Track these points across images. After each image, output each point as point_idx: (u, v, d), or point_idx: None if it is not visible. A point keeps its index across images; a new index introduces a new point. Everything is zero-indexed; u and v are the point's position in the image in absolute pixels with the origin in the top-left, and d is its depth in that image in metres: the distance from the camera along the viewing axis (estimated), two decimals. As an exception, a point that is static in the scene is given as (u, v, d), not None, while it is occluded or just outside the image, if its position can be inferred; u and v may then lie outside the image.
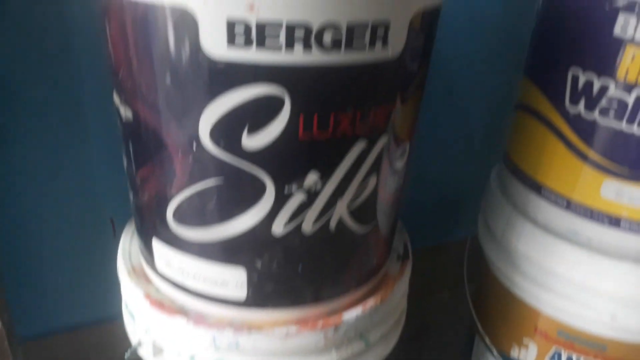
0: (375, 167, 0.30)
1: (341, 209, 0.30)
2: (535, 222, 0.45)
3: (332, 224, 0.30)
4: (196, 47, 0.24)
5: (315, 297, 0.33)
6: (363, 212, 0.31)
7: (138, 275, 0.36)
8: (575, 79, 0.39)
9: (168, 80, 0.26)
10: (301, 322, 0.32)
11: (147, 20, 0.25)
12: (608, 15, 0.35)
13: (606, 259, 0.41)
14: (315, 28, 0.24)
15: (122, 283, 0.36)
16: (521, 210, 0.46)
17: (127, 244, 0.38)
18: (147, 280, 0.35)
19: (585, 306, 0.43)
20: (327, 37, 0.24)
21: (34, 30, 0.40)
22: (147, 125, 0.28)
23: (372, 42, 0.25)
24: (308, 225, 0.30)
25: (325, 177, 0.28)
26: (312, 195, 0.29)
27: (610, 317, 0.42)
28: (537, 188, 0.44)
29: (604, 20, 0.36)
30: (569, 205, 0.42)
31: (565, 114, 0.40)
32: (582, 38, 0.38)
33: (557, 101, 0.40)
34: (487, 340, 0.52)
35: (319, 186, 0.29)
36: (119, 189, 0.39)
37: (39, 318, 0.51)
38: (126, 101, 0.29)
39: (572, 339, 0.45)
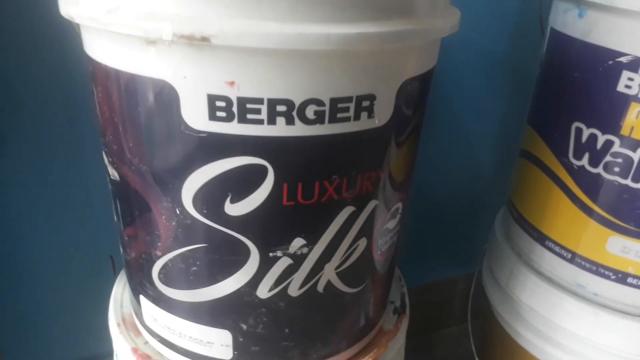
0: (365, 230, 0.29)
1: (329, 272, 0.29)
2: (539, 273, 0.43)
3: (320, 287, 0.30)
4: (178, 118, 0.24)
5: (303, 357, 0.32)
6: (353, 273, 0.31)
7: (127, 326, 0.36)
8: (579, 133, 0.38)
9: (151, 148, 0.26)
10: (289, 385, 0.32)
11: (130, 89, 0.25)
12: (611, 72, 0.34)
13: (612, 315, 0.40)
14: (297, 104, 0.23)
15: (112, 334, 0.36)
16: (525, 260, 0.45)
17: (120, 293, 0.38)
18: (137, 332, 0.35)
19: (587, 358, 0.42)
20: (310, 112, 0.24)
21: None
22: (133, 188, 0.28)
23: (357, 115, 0.25)
24: (294, 288, 0.29)
25: (311, 242, 0.28)
26: (298, 260, 0.28)
27: (616, 375, 0.40)
28: (542, 239, 0.43)
29: (607, 77, 0.35)
30: (573, 258, 0.41)
31: (569, 167, 0.39)
32: (585, 93, 0.36)
33: (561, 153, 0.39)
34: (490, 387, 0.51)
35: (305, 251, 0.28)
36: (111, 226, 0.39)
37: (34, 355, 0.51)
38: (112, 162, 0.29)
39: (576, 393, 0.43)
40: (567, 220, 0.40)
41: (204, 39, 0.21)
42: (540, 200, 0.42)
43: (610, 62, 0.34)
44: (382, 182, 0.29)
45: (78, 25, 0.27)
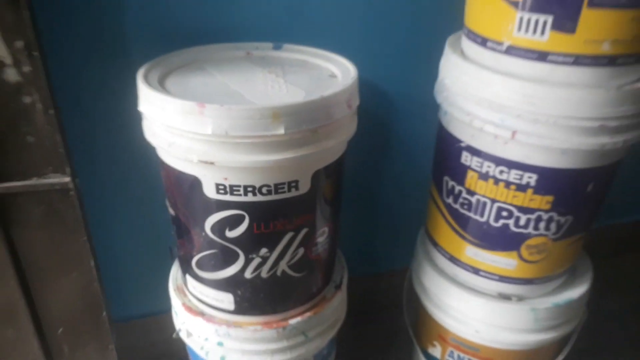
0: (301, 244, 0.54)
1: (283, 265, 0.55)
2: (436, 267, 0.67)
3: (279, 273, 0.55)
4: (201, 192, 0.49)
5: (273, 310, 0.58)
6: (297, 266, 0.56)
7: (179, 291, 0.63)
8: (447, 183, 0.61)
9: (189, 204, 0.51)
10: (264, 324, 0.58)
11: (180, 177, 0.50)
12: (457, 150, 0.58)
13: (471, 294, 0.63)
14: (257, 186, 0.49)
15: (171, 295, 0.63)
16: (429, 258, 0.69)
17: (175, 272, 0.65)
18: (184, 294, 0.62)
19: (462, 324, 0.65)
20: (264, 190, 0.49)
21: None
22: (181, 220, 0.54)
23: (289, 190, 0.50)
24: (264, 273, 0.55)
25: (270, 250, 0.53)
26: (264, 259, 0.54)
27: (475, 331, 0.64)
28: (435, 245, 0.67)
29: (456, 152, 0.58)
30: (451, 259, 0.64)
31: (444, 203, 0.62)
32: (448, 160, 0.60)
33: (440, 194, 0.63)
34: (414, 340, 0.76)
35: (267, 255, 0.53)
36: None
37: (121, 308, 0.79)
38: (171, 205, 0.55)
39: (459, 343, 0.67)
40: (445, 235, 0.64)
41: (211, 162, 0.47)
42: (433, 222, 0.66)
43: (457, 144, 0.58)
44: (309, 219, 0.53)
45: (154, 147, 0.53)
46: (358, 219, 0.85)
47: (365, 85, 0.69)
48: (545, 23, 0.46)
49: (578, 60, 0.47)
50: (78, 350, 0.71)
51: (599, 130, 0.48)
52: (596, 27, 0.45)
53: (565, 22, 0.45)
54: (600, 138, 0.49)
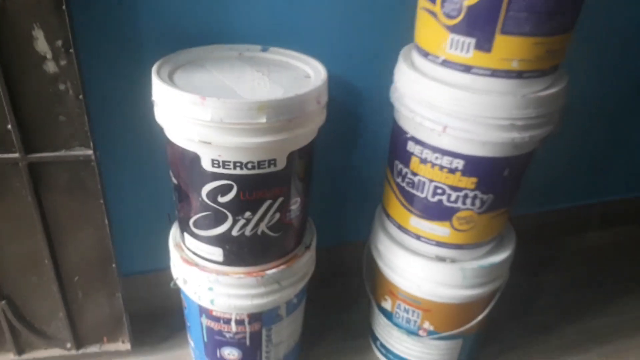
0: (278, 210, 0.68)
1: (263, 226, 0.68)
2: (390, 237, 0.81)
3: (259, 232, 0.69)
4: (199, 165, 0.63)
5: (254, 263, 0.72)
6: (274, 227, 0.69)
7: (178, 247, 0.76)
8: (397, 166, 0.75)
9: (189, 174, 0.65)
10: (247, 273, 0.71)
11: (183, 153, 0.63)
12: (405, 139, 0.71)
13: (414, 256, 0.77)
14: (244, 162, 0.62)
15: (170, 250, 0.77)
16: (383, 228, 0.83)
17: (174, 231, 0.78)
18: (182, 249, 0.75)
19: (407, 280, 0.80)
20: (249, 165, 0.62)
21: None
22: (181, 188, 0.67)
23: (269, 165, 0.63)
24: (247, 232, 0.68)
25: (253, 214, 0.66)
26: (248, 221, 0.67)
27: (417, 286, 0.79)
28: (389, 217, 0.81)
29: (404, 142, 0.72)
30: (400, 227, 0.79)
31: (395, 181, 0.76)
32: (398, 146, 0.74)
33: (392, 174, 0.77)
34: (371, 296, 0.90)
35: (250, 217, 0.67)
36: (172, 199, 0.79)
37: (126, 265, 0.92)
38: (174, 176, 0.68)
39: (405, 297, 0.82)
40: (395, 208, 0.78)
41: (208, 142, 0.60)
42: (387, 198, 0.80)
43: (404, 135, 0.71)
44: (284, 190, 0.67)
45: (162, 128, 0.65)
46: (329, 196, 0.99)
47: (339, 82, 0.83)
48: (469, 44, 0.60)
49: (494, 73, 0.60)
50: (90, 296, 0.84)
51: (510, 128, 0.62)
52: (507, 49, 0.59)
53: (484, 44, 0.59)
54: (511, 134, 0.63)
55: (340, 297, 1.05)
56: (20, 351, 0.87)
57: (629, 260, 1.23)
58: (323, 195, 0.96)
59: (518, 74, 0.60)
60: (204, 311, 0.75)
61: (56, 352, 0.88)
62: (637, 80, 1.08)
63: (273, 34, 0.78)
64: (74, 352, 0.88)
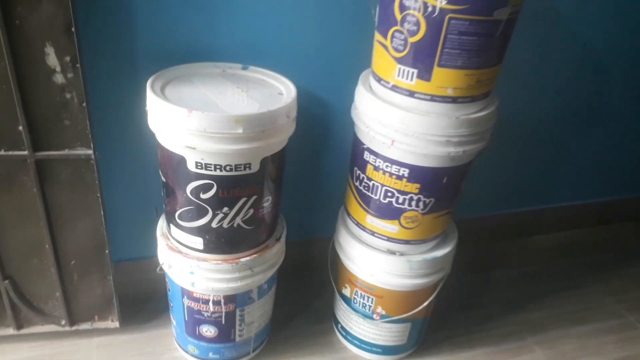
0: (252, 206, 0.79)
1: (239, 220, 0.79)
2: (350, 233, 0.93)
3: (235, 224, 0.79)
4: (185, 167, 0.73)
5: (230, 251, 0.82)
6: (249, 221, 0.80)
7: (164, 236, 0.86)
8: (356, 171, 0.86)
9: (176, 174, 0.75)
10: (223, 260, 0.82)
11: (170, 155, 0.74)
12: (362, 150, 0.83)
13: (370, 249, 0.89)
14: (223, 165, 0.73)
15: (157, 239, 0.87)
16: (346, 228, 0.94)
17: (162, 223, 0.89)
18: (167, 238, 0.86)
19: (363, 270, 0.91)
20: (227, 167, 0.73)
21: (129, 126, 0.89)
22: (169, 186, 0.78)
23: (245, 168, 0.74)
24: (225, 224, 0.79)
25: (230, 209, 0.77)
26: (225, 215, 0.78)
27: (371, 275, 0.90)
28: (350, 216, 0.92)
29: (361, 152, 0.83)
30: (358, 224, 0.90)
31: (354, 185, 0.88)
32: (357, 157, 0.85)
33: (353, 179, 0.88)
34: (334, 284, 1.01)
35: (228, 212, 0.78)
36: (160, 195, 0.89)
37: (117, 252, 1.02)
38: (162, 174, 0.79)
39: (361, 285, 0.93)
40: (354, 207, 0.89)
41: (193, 147, 0.70)
42: (348, 199, 0.91)
43: (362, 146, 0.83)
44: (257, 190, 0.78)
45: (154, 134, 0.76)
46: (300, 196, 1.10)
47: (311, 96, 0.94)
48: (413, 73, 0.71)
49: (433, 98, 0.72)
50: (85, 278, 0.94)
51: (446, 144, 0.74)
52: (443, 79, 0.70)
53: (425, 74, 0.70)
54: (447, 148, 0.75)
55: (308, 286, 1.16)
56: (19, 326, 0.97)
57: (570, 260, 1.37)
58: (295, 195, 1.07)
59: (453, 99, 0.72)
60: (185, 293, 0.86)
61: (52, 327, 0.97)
62: (572, 99, 1.21)
63: (254, 53, 0.89)
64: (67, 328, 0.98)
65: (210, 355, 0.93)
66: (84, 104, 0.77)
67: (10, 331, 0.96)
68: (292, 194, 1.03)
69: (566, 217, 1.44)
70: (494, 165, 1.23)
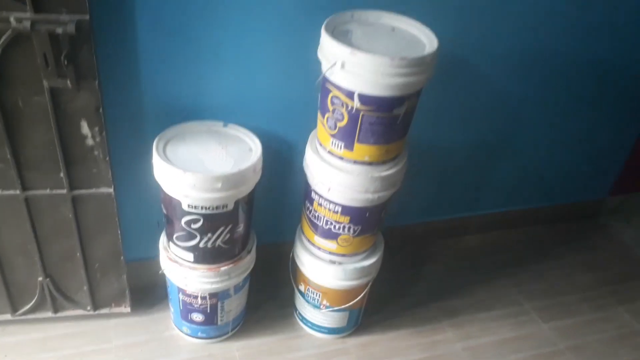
0: (229, 232, 1.07)
1: (219, 241, 1.07)
2: (304, 247, 1.22)
3: (216, 245, 1.08)
4: (180, 206, 1.01)
5: (213, 262, 1.11)
6: (227, 242, 1.08)
7: (165, 249, 1.15)
8: (307, 204, 1.15)
9: (173, 210, 1.03)
10: (208, 269, 1.11)
11: (170, 198, 1.02)
12: (310, 190, 1.11)
13: (317, 260, 1.18)
14: (207, 206, 1.01)
15: (160, 251, 1.16)
16: (301, 243, 1.23)
17: (163, 238, 1.18)
18: (167, 251, 1.15)
19: (313, 273, 1.21)
20: (210, 208, 1.01)
21: (139, 166, 1.17)
22: (168, 217, 1.06)
23: (222, 208, 1.02)
24: (209, 245, 1.07)
25: (213, 234, 1.05)
26: (209, 238, 1.06)
27: (318, 278, 1.20)
28: (304, 237, 1.21)
29: (310, 191, 1.12)
30: (309, 241, 1.19)
31: (306, 214, 1.16)
32: (307, 195, 1.13)
33: (305, 209, 1.17)
34: (293, 282, 1.31)
35: (211, 236, 1.06)
36: (161, 212, 1.17)
37: (130, 254, 1.30)
38: (164, 209, 1.07)
39: (311, 284, 1.23)
40: (307, 230, 1.17)
41: (186, 195, 0.98)
42: (303, 223, 1.20)
43: (310, 188, 1.11)
44: (233, 221, 1.06)
45: (158, 183, 1.04)
46: (272, 214, 1.39)
47: (280, 142, 1.21)
48: (341, 145, 0.99)
49: (355, 162, 1.00)
50: (105, 276, 1.23)
51: (365, 192, 1.03)
52: (361, 150, 0.98)
53: (349, 146, 0.98)
54: (366, 195, 1.03)
55: (275, 280, 1.46)
56: (56, 311, 1.26)
57: (489, 258, 1.67)
58: (269, 213, 1.35)
59: (369, 164, 1.00)
60: (180, 290, 1.15)
61: (80, 312, 1.27)
62: (487, 131, 1.50)
63: (232, 112, 1.16)
64: (92, 312, 1.27)
65: (199, 334, 1.23)
66: (107, 158, 1.04)
67: (49, 314, 1.26)
68: (268, 211, 1.31)
69: (492, 221, 1.74)
70: (432, 180, 1.52)
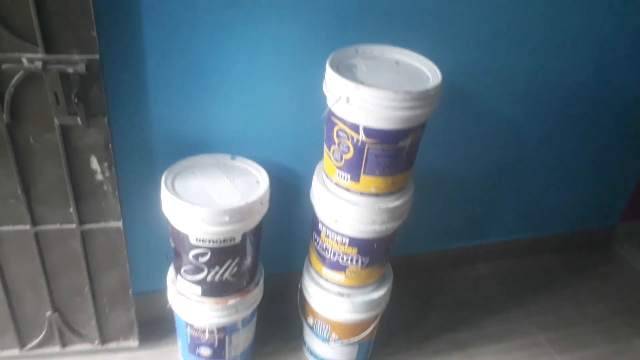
0: (236, 265, 1.06)
1: (226, 274, 1.06)
2: (312, 279, 1.20)
3: (224, 278, 1.06)
4: (188, 240, 1.00)
5: (220, 295, 1.09)
6: (234, 275, 1.07)
7: (172, 282, 1.14)
8: (314, 236, 1.13)
9: (182, 244, 1.03)
10: (215, 302, 1.09)
11: (178, 232, 1.01)
12: (317, 221, 1.10)
13: (325, 292, 1.16)
14: (214, 239, 1.00)
15: (168, 284, 1.14)
16: (310, 275, 1.21)
17: (171, 271, 1.16)
18: (175, 284, 1.13)
19: (321, 306, 1.18)
20: (217, 241, 1.00)
21: (147, 199, 1.17)
22: (177, 251, 1.05)
23: (230, 240, 1.01)
24: (217, 278, 1.06)
25: (220, 267, 1.04)
26: (217, 272, 1.05)
27: (327, 310, 1.17)
28: (308, 267, 1.19)
29: (318, 223, 1.10)
30: (317, 273, 1.17)
31: (314, 246, 1.15)
32: (315, 226, 1.12)
33: (312, 241, 1.15)
34: (301, 315, 1.29)
35: (219, 270, 1.05)
36: (169, 245, 1.16)
37: (138, 287, 1.28)
38: (172, 242, 1.06)
39: (320, 317, 1.20)
40: (315, 261, 1.16)
41: (194, 229, 0.98)
42: (311, 254, 1.19)
43: (318, 220, 1.10)
44: (240, 254, 1.05)
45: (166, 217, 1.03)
46: (281, 245, 1.37)
47: (288, 174, 1.21)
48: (348, 177, 0.98)
49: (361, 194, 0.99)
50: (113, 310, 1.21)
51: (372, 223, 1.01)
52: (367, 182, 0.97)
53: (355, 178, 0.98)
54: (373, 226, 1.02)
55: (283, 312, 1.43)
56: (64, 345, 1.24)
57: (498, 287, 1.64)
58: (277, 243, 1.34)
59: (375, 195, 0.99)
60: (188, 324, 1.13)
61: (88, 346, 1.25)
62: (494, 159, 1.48)
63: (239, 145, 1.16)
64: (99, 347, 1.25)
65: (207, 368, 1.21)
66: (116, 193, 1.04)
67: (57, 349, 1.24)
68: (277, 243, 1.30)
69: (500, 250, 1.71)
70: (439, 209, 1.50)
